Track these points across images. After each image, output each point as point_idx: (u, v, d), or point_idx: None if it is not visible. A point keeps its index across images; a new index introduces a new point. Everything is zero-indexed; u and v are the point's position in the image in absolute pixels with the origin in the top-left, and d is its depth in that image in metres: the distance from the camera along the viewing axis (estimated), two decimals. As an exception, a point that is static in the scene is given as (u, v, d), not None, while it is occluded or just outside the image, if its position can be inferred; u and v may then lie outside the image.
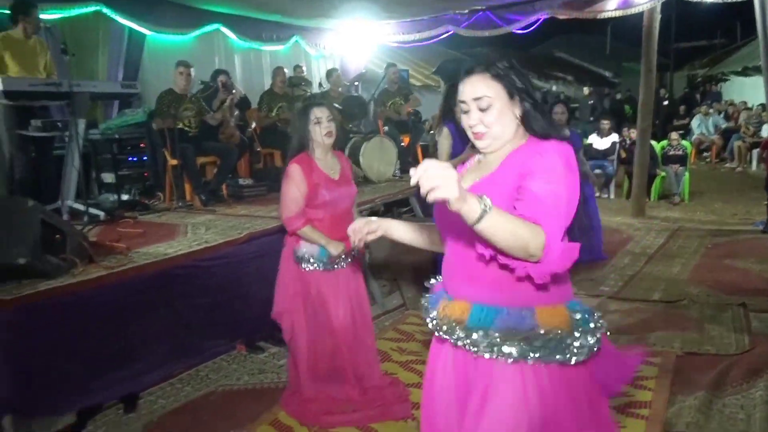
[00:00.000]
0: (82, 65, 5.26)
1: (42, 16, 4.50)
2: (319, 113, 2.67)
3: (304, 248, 2.71)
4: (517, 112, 1.38)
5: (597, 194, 8.35)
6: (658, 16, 6.30)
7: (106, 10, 5.40)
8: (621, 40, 21.16)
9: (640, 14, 6.33)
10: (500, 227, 1.18)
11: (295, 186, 2.65)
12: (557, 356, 1.32)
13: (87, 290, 2.81)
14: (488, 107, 1.37)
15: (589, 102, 14.08)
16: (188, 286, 3.27)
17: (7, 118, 4.10)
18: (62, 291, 2.72)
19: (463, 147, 3.71)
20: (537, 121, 1.38)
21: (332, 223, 2.69)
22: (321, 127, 2.67)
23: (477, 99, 1.37)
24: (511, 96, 1.38)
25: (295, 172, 2.66)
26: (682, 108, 14.53)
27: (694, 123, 12.51)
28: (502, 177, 1.36)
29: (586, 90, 14.85)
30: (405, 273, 4.38)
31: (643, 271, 4.90)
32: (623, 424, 2.58)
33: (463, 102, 1.41)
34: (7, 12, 4.37)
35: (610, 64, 21.52)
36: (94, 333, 2.84)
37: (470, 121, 1.40)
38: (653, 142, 7.80)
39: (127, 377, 2.97)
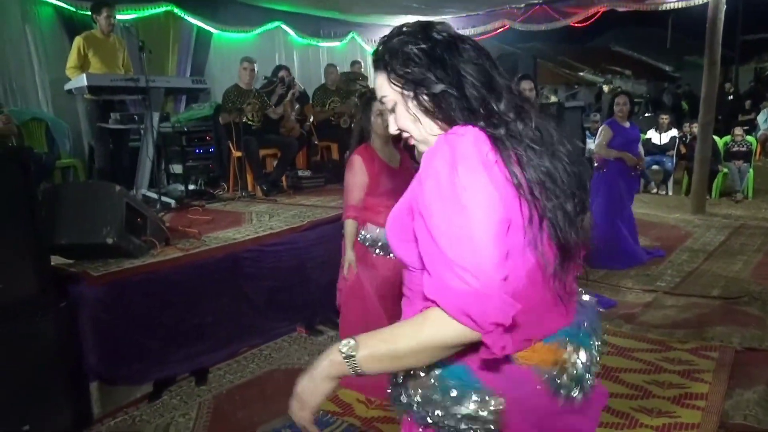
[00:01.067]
0: (154, 62, 5.57)
1: (119, 17, 4.84)
2: (381, 106, 2.78)
3: (370, 231, 2.82)
4: (427, 104, 1.02)
5: (654, 190, 8.19)
6: (723, 7, 6.11)
7: (176, 11, 5.75)
8: (683, 33, 20.37)
9: (704, 5, 6.17)
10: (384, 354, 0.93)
11: (355, 176, 2.77)
12: None
13: (165, 270, 3.05)
14: (393, 107, 1.08)
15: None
16: (254, 270, 3.47)
17: (90, 112, 4.45)
18: (143, 270, 2.96)
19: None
20: (451, 110, 1.00)
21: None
22: (382, 120, 2.77)
23: (381, 101, 1.11)
24: (406, 88, 1.03)
25: (356, 163, 2.77)
26: (747, 103, 13.92)
27: (761, 118, 11.97)
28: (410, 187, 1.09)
29: (606, 88, 13.75)
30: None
31: (701, 267, 4.80)
32: (678, 414, 2.59)
33: None
34: (89, 13, 4.72)
35: (670, 58, 20.77)
36: (171, 310, 3.07)
37: (390, 129, 1.14)
38: (716, 138, 7.57)
39: (199, 353, 3.19)
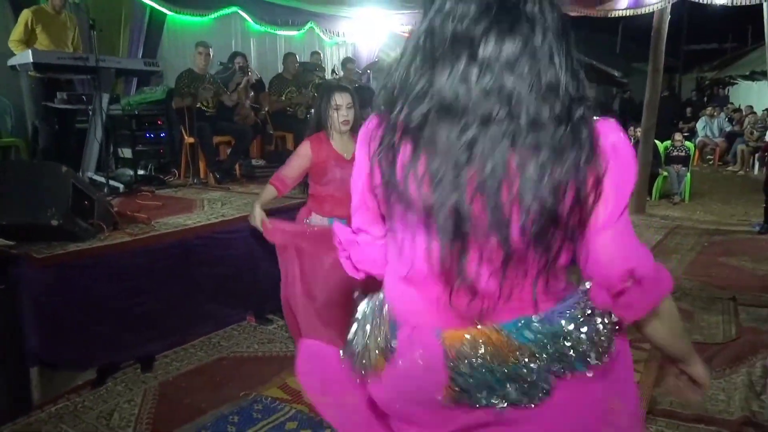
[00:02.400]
0: (104, 42, 5.38)
1: (69, -8, 4.67)
2: (339, 100, 2.78)
3: (315, 220, 2.89)
4: None
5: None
6: (667, 17, 6.41)
7: (129, -12, 5.57)
8: (631, 40, 21.13)
9: (651, 14, 6.44)
10: None
11: (297, 158, 2.88)
12: None
13: (112, 254, 2.99)
14: None
15: None
16: (205, 257, 3.44)
17: (34, 90, 4.28)
18: (89, 253, 2.89)
19: None
20: None
21: (343, 201, 2.83)
22: (339, 114, 2.78)
23: None
24: None
25: (303, 147, 2.87)
26: (688, 110, 14.61)
27: (699, 125, 12.61)
28: None
29: None
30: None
31: (639, 265, 5.05)
32: (611, 400, 2.75)
33: None
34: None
35: (619, 64, 21.51)
36: (117, 295, 3.01)
37: None
38: (657, 142, 7.93)
39: (146, 339, 3.14)
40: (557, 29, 0.84)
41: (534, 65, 0.81)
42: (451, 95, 0.82)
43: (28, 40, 4.31)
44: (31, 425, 2.54)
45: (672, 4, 6.10)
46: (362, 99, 6.57)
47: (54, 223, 2.72)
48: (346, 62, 7.33)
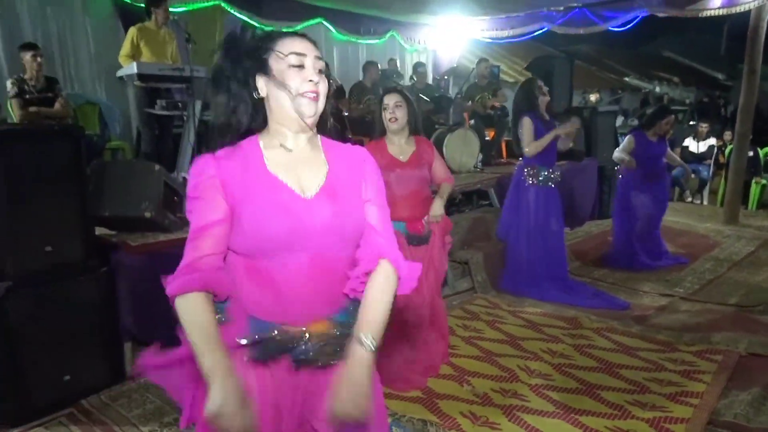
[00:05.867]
0: (199, 53, 5.87)
1: (170, 9, 5.14)
2: (387, 100, 2.94)
3: None
4: None
5: (689, 199, 8.08)
6: (766, 15, 6.03)
7: (224, 5, 6.04)
8: (737, 41, 19.72)
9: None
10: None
11: None
12: None
13: (196, 245, 3.28)
14: None
15: None
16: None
17: (138, 98, 4.75)
18: (176, 243, 3.19)
19: (545, 131, 3.99)
20: None
21: (400, 201, 2.93)
22: (386, 113, 2.94)
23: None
24: None
25: None
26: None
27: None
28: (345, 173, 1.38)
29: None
30: (476, 258, 4.58)
31: (724, 276, 4.80)
32: (670, 409, 2.69)
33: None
34: (143, 5, 5.05)
35: (723, 66, 20.16)
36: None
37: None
38: (759, 148, 7.45)
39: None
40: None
41: None
42: None
43: (134, 55, 4.81)
44: (124, 393, 2.87)
45: (772, 1, 5.75)
46: (438, 102, 6.62)
47: (147, 215, 3.06)
48: (417, 66, 7.46)
